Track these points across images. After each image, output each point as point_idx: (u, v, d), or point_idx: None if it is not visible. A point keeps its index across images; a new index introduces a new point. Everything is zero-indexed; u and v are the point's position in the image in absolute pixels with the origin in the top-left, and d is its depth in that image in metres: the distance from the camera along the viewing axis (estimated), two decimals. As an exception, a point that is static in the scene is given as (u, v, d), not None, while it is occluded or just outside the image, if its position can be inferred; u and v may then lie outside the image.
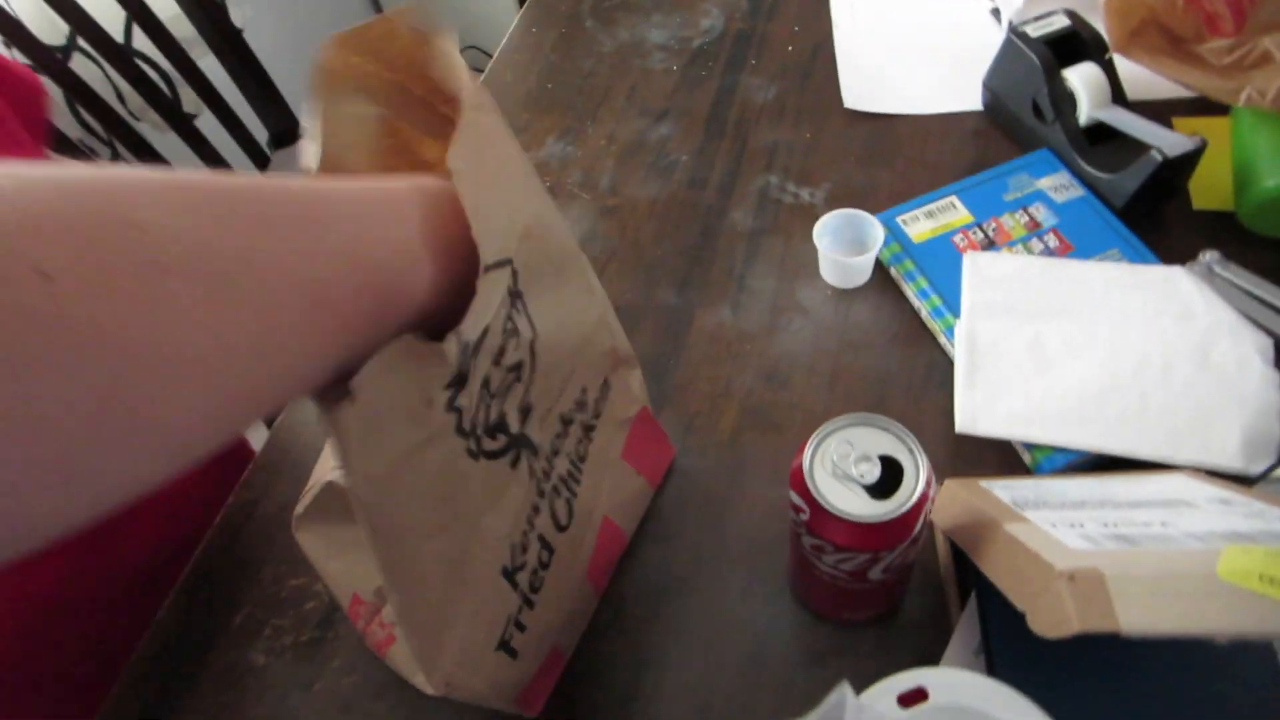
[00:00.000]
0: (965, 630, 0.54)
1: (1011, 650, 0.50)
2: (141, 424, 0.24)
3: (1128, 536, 0.42)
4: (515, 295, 0.41)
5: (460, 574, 0.43)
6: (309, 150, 0.39)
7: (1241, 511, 0.47)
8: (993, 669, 0.50)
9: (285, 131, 1.45)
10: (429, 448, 0.38)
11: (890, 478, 0.47)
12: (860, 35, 0.94)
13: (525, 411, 0.44)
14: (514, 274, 0.41)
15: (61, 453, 0.22)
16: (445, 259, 0.36)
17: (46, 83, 1.26)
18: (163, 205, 0.25)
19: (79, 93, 1.17)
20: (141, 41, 1.32)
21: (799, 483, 0.48)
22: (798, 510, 0.49)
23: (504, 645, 0.48)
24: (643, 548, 0.62)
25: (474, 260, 0.36)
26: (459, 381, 0.38)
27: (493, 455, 0.42)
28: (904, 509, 0.46)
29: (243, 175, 0.29)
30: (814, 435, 0.49)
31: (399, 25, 0.39)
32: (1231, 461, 0.57)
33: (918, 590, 0.58)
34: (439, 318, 0.36)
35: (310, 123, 0.40)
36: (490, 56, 1.00)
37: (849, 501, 0.46)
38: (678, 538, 0.62)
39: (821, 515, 0.47)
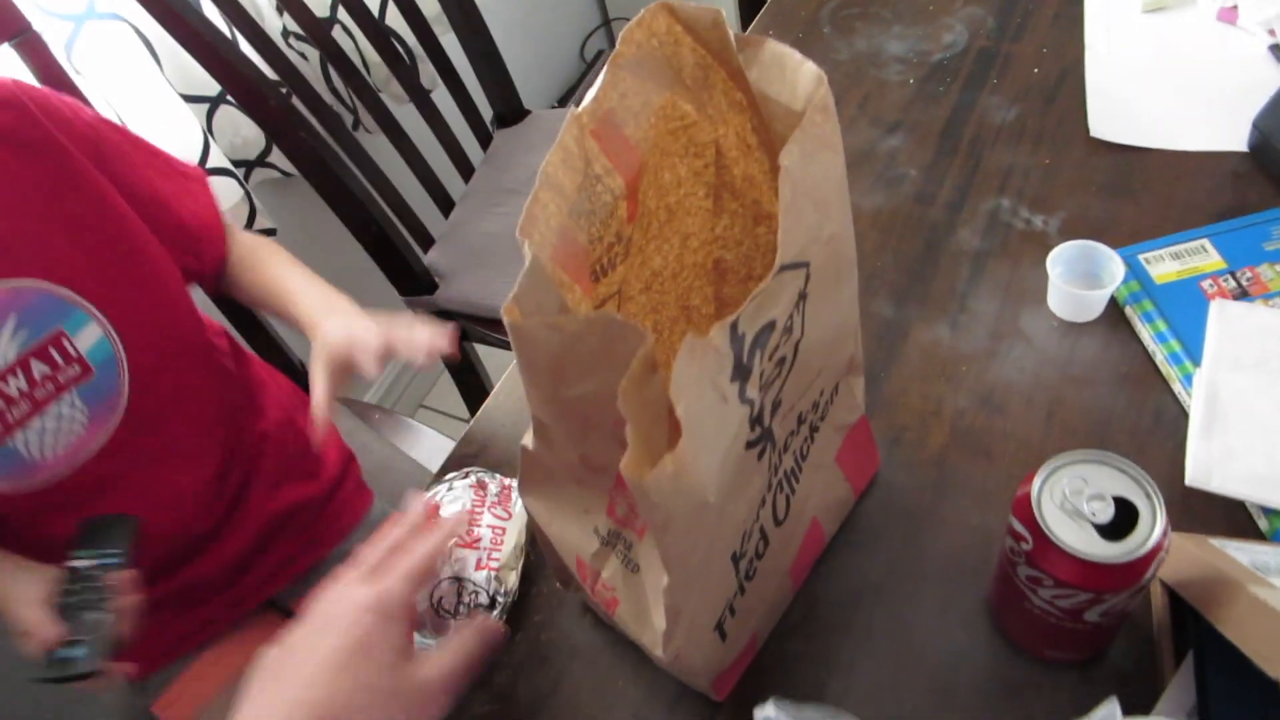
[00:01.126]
0: (1179, 689, 0.52)
1: (1231, 717, 0.48)
2: None
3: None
4: (802, 297, 0.43)
5: (707, 556, 0.45)
6: (589, 98, 0.42)
7: None
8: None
9: (509, 113, 1.52)
10: (735, 445, 0.40)
11: (1122, 520, 0.46)
12: (1115, 61, 0.90)
13: (775, 406, 0.46)
14: (807, 277, 0.42)
15: None
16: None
17: (308, 51, 1.38)
18: None
19: (336, 60, 1.27)
20: (394, 18, 1.42)
21: (1024, 511, 0.47)
22: (1018, 538, 0.48)
23: (719, 627, 0.50)
24: (839, 553, 0.62)
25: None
26: (743, 373, 0.39)
27: (749, 445, 0.44)
28: (1138, 554, 0.45)
29: None
30: (1045, 465, 0.48)
31: (720, 19, 0.42)
32: None
33: (1124, 639, 0.56)
34: None
35: (607, 77, 0.43)
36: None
37: (1078, 538, 0.46)
38: (875, 547, 0.62)
39: (1047, 547, 0.46)
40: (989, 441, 0.65)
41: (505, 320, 0.38)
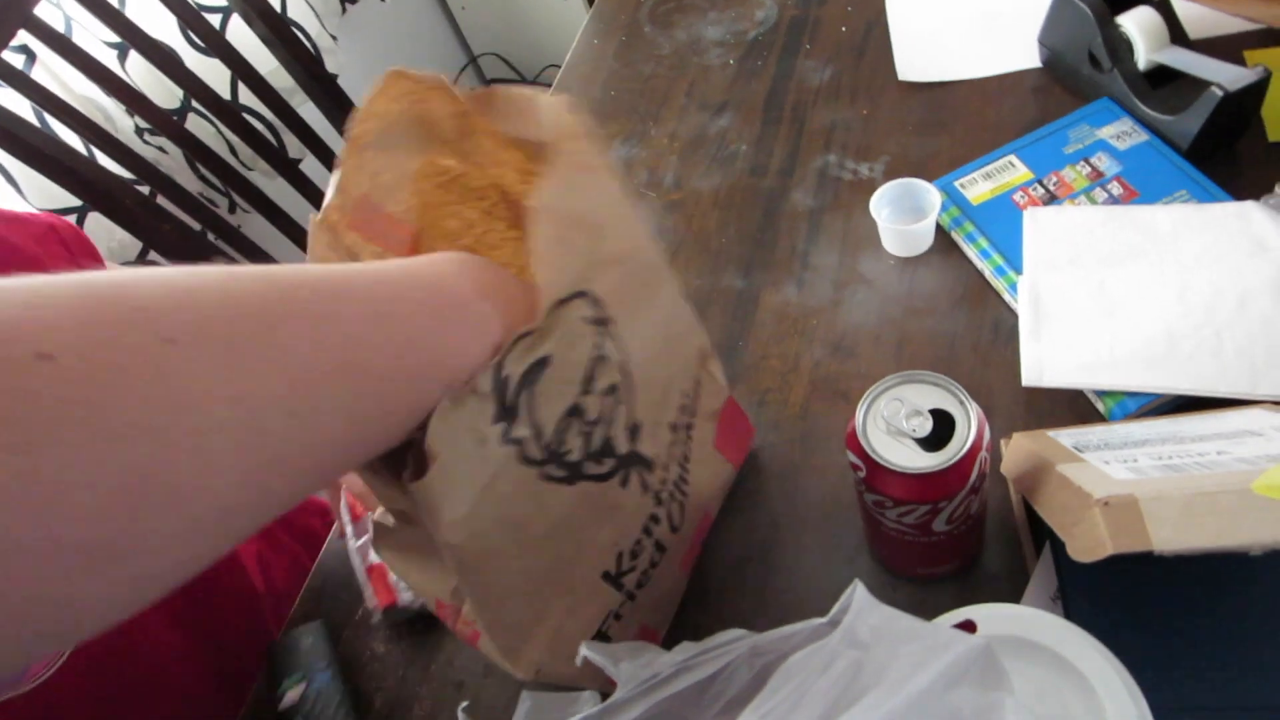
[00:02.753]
0: (1041, 577, 0.55)
1: (1087, 593, 0.51)
2: (171, 495, 0.24)
3: (1177, 466, 0.42)
4: (601, 322, 0.43)
5: (556, 579, 0.47)
6: (336, 187, 0.41)
7: (1310, 437, 0.46)
8: (1069, 613, 0.51)
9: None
10: (497, 483, 0.40)
11: (944, 430, 0.49)
12: (914, 5, 0.94)
13: (634, 430, 0.47)
14: (595, 302, 0.43)
15: (86, 531, 0.22)
16: (501, 309, 0.37)
17: (166, 145, 1.38)
18: (169, 288, 0.25)
19: (196, 150, 1.27)
20: (246, 96, 1.43)
21: (854, 442, 0.50)
22: (856, 469, 0.51)
23: (600, 635, 0.51)
24: (724, 523, 0.64)
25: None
26: (508, 415, 0.39)
27: (599, 478, 0.45)
28: (957, 457, 0.47)
29: (281, 266, 0.30)
30: (864, 396, 0.51)
31: (444, 81, 0.42)
32: (1311, 391, 0.56)
33: (996, 543, 0.59)
34: None
35: (346, 161, 0.42)
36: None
37: (902, 455, 0.48)
38: (756, 510, 0.65)
39: (877, 471, 0.49)
40: (845, 384, 0.68)
41: None
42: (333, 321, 0.30)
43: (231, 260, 1.19)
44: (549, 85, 1.04)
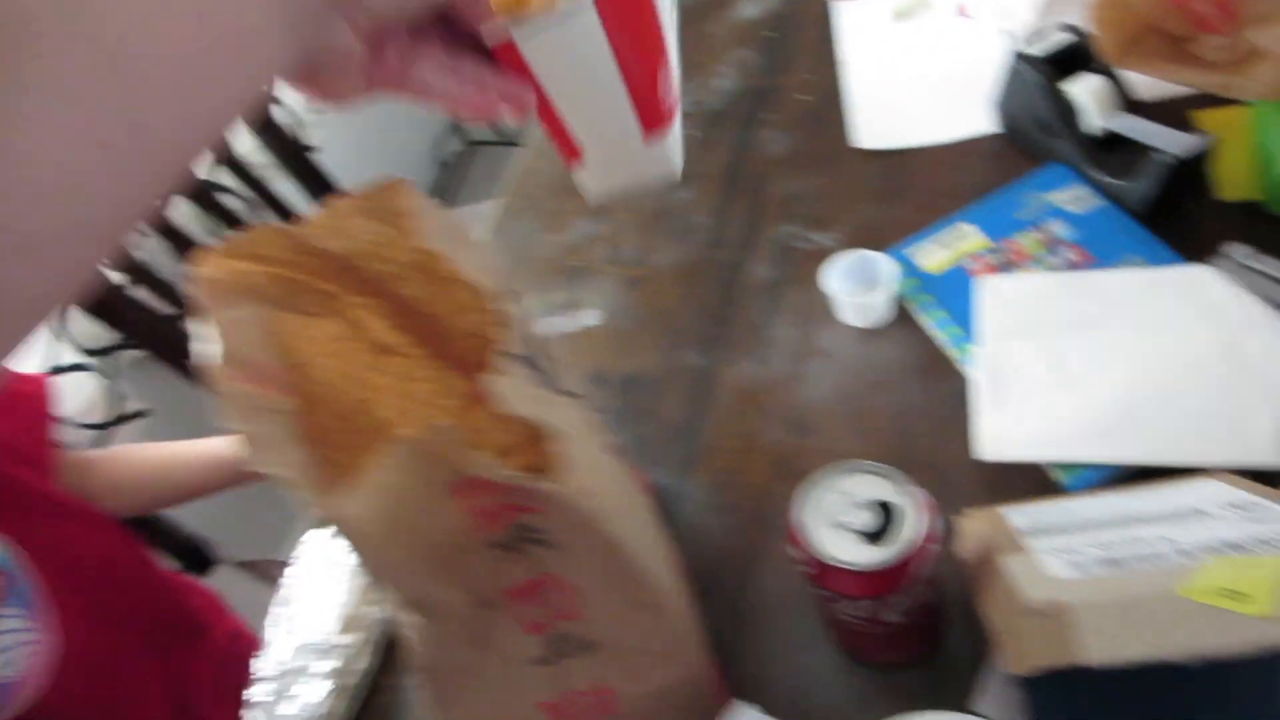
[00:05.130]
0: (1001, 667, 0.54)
1: (1050, 689, 0.50)
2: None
3: (1117, 560, 0.41)
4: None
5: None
6: (211, 353, 0.42)
7: (1259, 516, 0.45)
8: (1036, 708, 0.50)
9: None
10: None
11: (889, 522, 0.48)
12: (873, 73, 0.95)
13: None
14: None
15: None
16: None
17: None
18: None
19: (170, 234, 1.28)
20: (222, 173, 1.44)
21: (794, 538, 0.49)
22: (801, 563, 0.50)
23: None
24: (683, 608, 0.63)
25: None
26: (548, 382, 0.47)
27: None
28: (905, 552, 0.46)
29: None
30: (800, 487, 0.50)
31: (273, 229, 0.44)
32: (1265, 457, 0.55)
33: (962, 624, 0.58)
34: None
35: (205, 330, 0.42)
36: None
37: (846, 551, 0.47)
38: (713, 596, 0.63)
39: (821, 567, 0.48)
40: (803, 463, 0.67)
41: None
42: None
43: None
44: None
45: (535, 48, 0.45)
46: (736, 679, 0.59)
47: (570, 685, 0.48)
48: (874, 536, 0.48)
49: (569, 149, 0.55)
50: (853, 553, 0.47)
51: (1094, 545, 0.45)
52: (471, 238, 0.50)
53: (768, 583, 0.63)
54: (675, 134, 0.56)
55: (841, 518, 0.48)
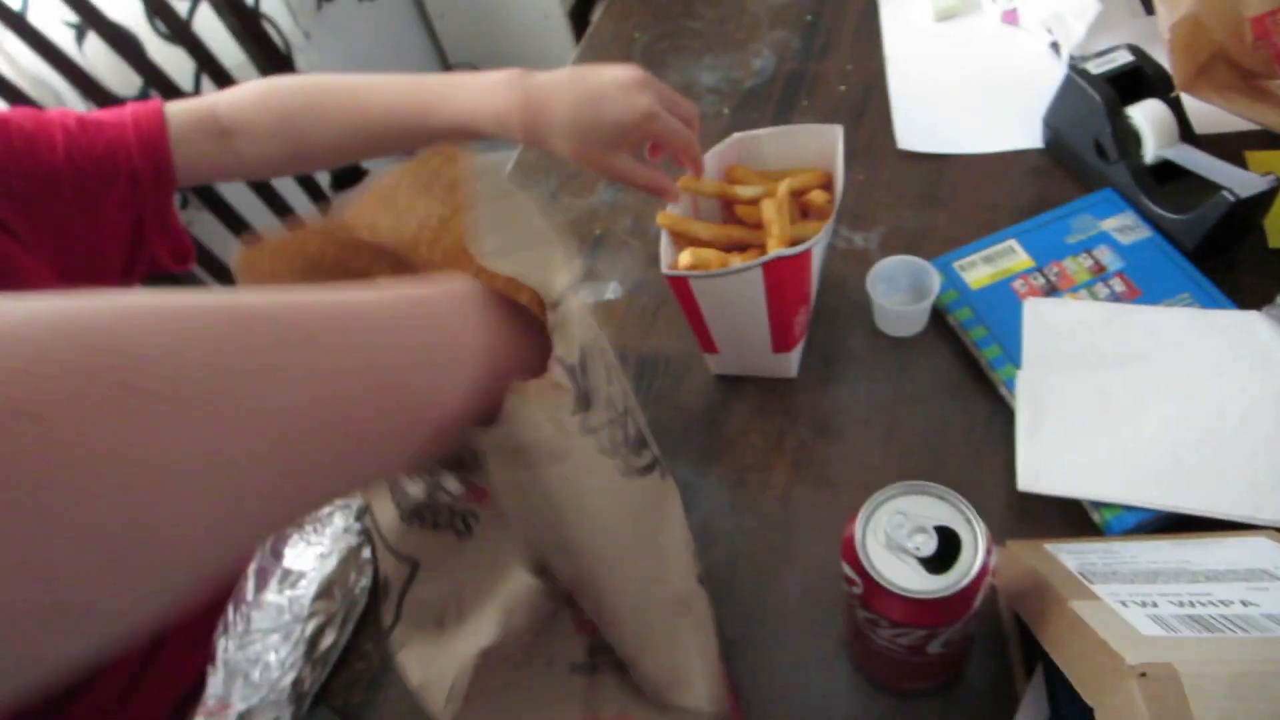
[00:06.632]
0: (1032, 703, 0.52)
1: (1081, 728, 0.48)
2: (146, 539, 0.24)
3: (1203, 620, 0.39)
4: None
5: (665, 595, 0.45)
6: None
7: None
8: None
9: (345, 174, 1.48)
10: (585, 476, 0.38)
11: (947, 549, 0.46)
12: (915, 73, 0.92)
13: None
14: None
15: (58, 594, 0.22)
16: (492, 351, 0.36)
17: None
18: (157, 333, 0.25)
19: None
20: (209, 89, 1.36)
21: (850, 554, 0.46)
22: (851, 582, 0.47)
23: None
24: (694, 609, 0.60)
25: (528, 350, 0.36)
26: (584, 404, 0.38)
27: (644, 470, 0.43)
28: (963, 584, 0.44)
29: (266, 295, 0.29)
30: (866, 504, 0.47)
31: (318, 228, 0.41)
32: (1316, 521, 0.54)
33: (981, 655, 0.56)
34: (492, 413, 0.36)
35: None
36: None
37: (904, 576, 0.45)
38: (729, 598, 0.60)
39: (875, 589, 0.45)
40: (830, 471, 0.65)
41: None
42: (319, 374, 0.29)
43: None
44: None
45: (703, 286, 0.61)
46: (746, 687, 0.57)
47: (598, 710, 0.45)
48: (932, 564, 0.45)
49: (708, 345, 0.68)
50: (909, 578, 0.45)
51: (1167, 599, 0.43)
52: (533, 210, 0.45)
53: (785, 591, 0.60)
54: (798, 349, 0.69)
55: (901, 540, 0.45)
